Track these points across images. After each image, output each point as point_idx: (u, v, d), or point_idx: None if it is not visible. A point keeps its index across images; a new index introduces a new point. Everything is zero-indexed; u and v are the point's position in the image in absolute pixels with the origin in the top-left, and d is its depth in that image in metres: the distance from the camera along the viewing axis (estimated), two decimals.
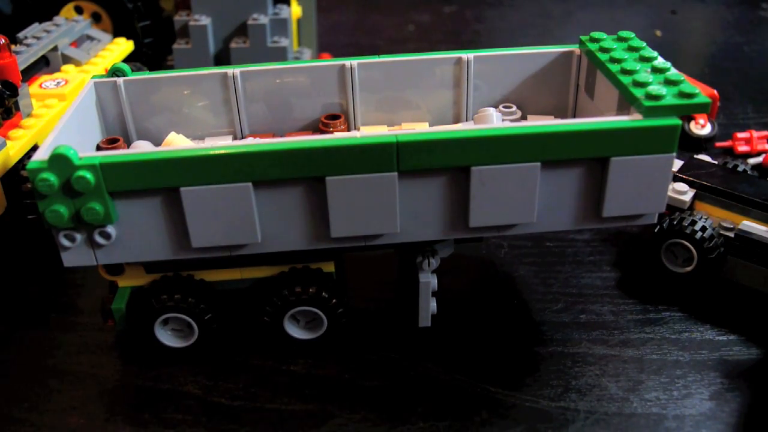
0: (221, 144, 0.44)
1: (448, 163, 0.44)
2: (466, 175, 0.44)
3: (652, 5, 1.38)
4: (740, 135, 0.82)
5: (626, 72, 0.48)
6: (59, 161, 0.41)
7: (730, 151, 0.82)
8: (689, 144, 0.83)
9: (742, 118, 0.92)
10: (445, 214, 0.46)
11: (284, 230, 0.46)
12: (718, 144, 0.83)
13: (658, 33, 1.23)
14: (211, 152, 0.43)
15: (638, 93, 0.45)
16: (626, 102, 0.47)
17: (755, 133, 0.81)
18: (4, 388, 0.51)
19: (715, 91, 0.84)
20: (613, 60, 0.50)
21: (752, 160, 0.79)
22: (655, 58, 0.49)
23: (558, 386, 0.50)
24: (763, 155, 0.78)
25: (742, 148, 0.81)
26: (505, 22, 1.33)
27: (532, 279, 0.61)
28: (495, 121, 0.53)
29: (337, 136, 0.44)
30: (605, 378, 0.51)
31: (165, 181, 0.43)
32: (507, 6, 1.41)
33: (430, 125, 0.57)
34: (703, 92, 0.85)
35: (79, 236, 0.44)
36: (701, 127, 0.83)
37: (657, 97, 0.44)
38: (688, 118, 0.84)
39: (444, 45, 1.20)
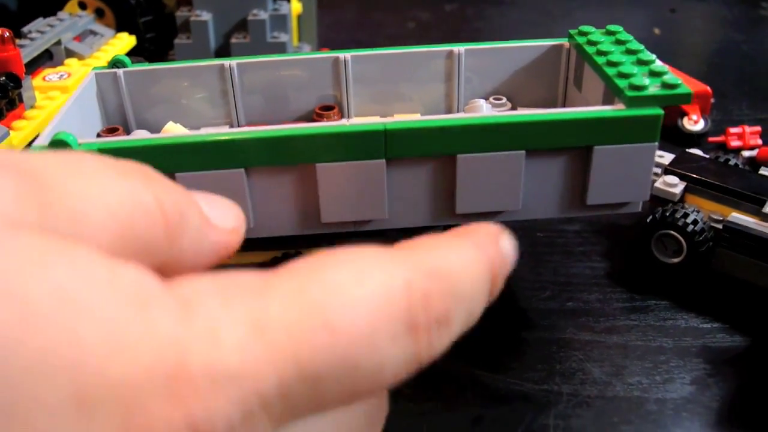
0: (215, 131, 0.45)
1: (435, 151, 0.45)
2: (453, 162, 0.45)
3: (652, 3, 1.39)
4: (733, 130, 0.83)
5: (612, 64, 0.49)
6: (59, 147, 0.43)
7: (723, 146, 0.83)
8: (682, 139, 0.84)
9: (737, 115, 0.92)
10: (433, 201, 0.47)
11: (276, 216, 0.47)
12: (711, 139, 0.84)
13: (657, 31, 1.24)
14: (205, 139, 0.44)
15: (622, 84, 0.46)
16: (611, 93, 0.48)
17: (747, 129, 0.82)
18: None
19: (709, 88, 0.85)
20: (600, 52, 0.51)
21: (746, 153, 0.80)
22: (642, 51, 0.51)
23: (542, 370, 0.51)
24: (757, 149, 0.79)
25: (735, 143, 0.82)
26: (505, 19, 1.34)
27: (521, 268, 0.62)
28: (485, 111, 0.55)
29: (327, 124, 0.45)
30: (589, 363, 0.52)
31: (160, 167, 0.44)
32: (507, 4, 1.42)
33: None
34: (696, 89, 0.86)
35: None
36: (694, 123, 0.84)
37: (640, 88, 0.46)
38: (681, 114, 0.85)
39: (444, 43, 1.21)
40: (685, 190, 0.61)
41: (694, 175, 0.60)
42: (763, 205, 0.56)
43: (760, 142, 0.82)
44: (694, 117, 0.84)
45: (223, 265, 0.53)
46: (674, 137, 0.83)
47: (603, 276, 0.62)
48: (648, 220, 0.60)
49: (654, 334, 0.55)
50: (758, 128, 0.83)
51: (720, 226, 0.58)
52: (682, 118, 0.85)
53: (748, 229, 0.56)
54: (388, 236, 0.55)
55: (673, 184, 0.61)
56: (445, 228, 0.54)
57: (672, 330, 0.55)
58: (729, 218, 0.57)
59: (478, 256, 0.24)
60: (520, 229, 0.68)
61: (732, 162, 0.65)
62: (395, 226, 0.48)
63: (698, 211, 0.59)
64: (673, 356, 0.53)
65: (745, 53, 1.15)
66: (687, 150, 0.66)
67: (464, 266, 0.23)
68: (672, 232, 0.59)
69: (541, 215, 0.49)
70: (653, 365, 0.52)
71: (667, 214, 0.59)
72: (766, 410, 0.48)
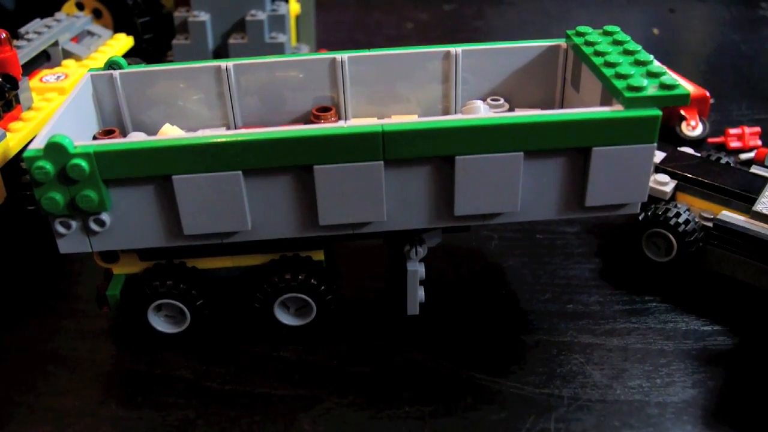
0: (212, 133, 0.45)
1: (433, 153, 0.45)
2: (451, 164, 0.45)
3: (651, 3, 1.39)
4: (732, 131, 0.83)
5: (609, 65, 0.49)
6: (55, 149, 0.43)
7: (722, 147, 0.82)
8: (681, 144, 0.83)
9: (737, 115, 0.92)
10: (431, 203, 0.47)
11: (274, 218, 0.47)
12: (711, 140, 0.84)
13: (656, 31, 1.24)
14: (202, 141, 0.44)
15: (620, 85, 0.46)
16: (609, 94, 0.48)
17: (747, 129, 0.82)
18: (4, 372, 0.53)
19: (707, 92, 0.85)
20: (598, 53, 0.51)
21: (744, 156, 0.79)
22: (639, 52, 0.50)
23: (543, 373, 0.51)
24: (755, 150, 0.79)
25: (734, 144, 0.82)
26: (504, 20, 1.34)
27: (521, 270, 0.62)
28: (482, 112, 0.54)
29: (325, 126, 0.45)
30: (590, 366, 0.52)
31: (157, 169, 0.44)
32: (506, 4, 1.42)
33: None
34: (694, 93, 0.86)
35: (74, 223, 0.46)
36: (692, 129, 0.84)
37: (638, 89, 0.45)
38: (680, 120, 0.84)
39: (442, 43, 1.20)
40: (676, 188, 0.61)
41: (685, 174, 0.60)
42: (752, 203, 0.56)
43: (759, 142, 0.82)
44: (692, 122, 0.84)
45: (221, 268, 0.53)
46: (674, 143, 0.83)
47: (602, 278, 0.61)
48: (639, 219, 0.60)
49: (654, 337, 0.54)
50: (758, 129, 0.83)
51: (710, 224, 0.57)
52: (680, 123, 0.84)
53: (738, 227, 0.55)
54: (386, 238, 0.55)
55: (664, 183, 0.60)
56: (445, 230, 0.54)
57: (673, 333, 0.55)
58: (719, 216, 0.57)
59: None
60: (519, 231, 0.68)
61: (723, 161, 0.64)
62: (393, 228, 0.48)
63: (689, 210, 0.59)
64: (674, 359, 0.52)
65: (743, 53, 1.14)
66: (678, 148, 0.66)
67: None
68: (662, 230, 0.59)
69: (539, 217, 0.48)
70: (654, 368, 0.51)
71: (659, 212, 0.59)
72: None
